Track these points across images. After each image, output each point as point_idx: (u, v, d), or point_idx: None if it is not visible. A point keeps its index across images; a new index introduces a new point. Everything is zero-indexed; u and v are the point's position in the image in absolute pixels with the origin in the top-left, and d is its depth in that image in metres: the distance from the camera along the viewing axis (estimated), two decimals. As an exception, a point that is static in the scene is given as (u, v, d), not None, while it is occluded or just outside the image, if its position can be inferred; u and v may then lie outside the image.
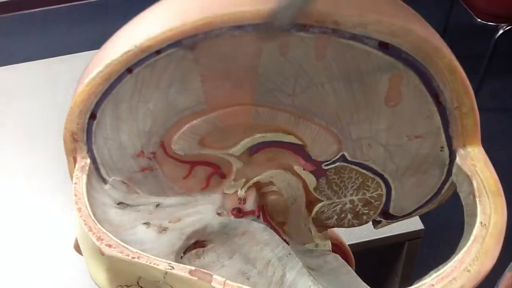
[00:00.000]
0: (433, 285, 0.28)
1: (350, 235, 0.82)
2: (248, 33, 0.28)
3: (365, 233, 0.85)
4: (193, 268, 0.28)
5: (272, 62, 0.29)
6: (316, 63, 0.30)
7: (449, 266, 0.29)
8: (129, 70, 0.29)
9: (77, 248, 0.39)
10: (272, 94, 0.31)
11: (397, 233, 0.87)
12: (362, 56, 0.29)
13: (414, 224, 0.87)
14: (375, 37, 0.28)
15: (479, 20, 1.62)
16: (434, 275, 0.28)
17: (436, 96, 0.31)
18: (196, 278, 0.27)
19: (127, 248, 0.28)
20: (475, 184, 0.31)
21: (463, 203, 0.33)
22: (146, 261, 0.28)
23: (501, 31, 1.47)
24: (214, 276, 0.27)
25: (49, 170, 0.91)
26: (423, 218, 0.87)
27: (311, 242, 0.40)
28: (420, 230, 0.87)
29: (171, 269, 0.28)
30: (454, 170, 0.34)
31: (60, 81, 1.10)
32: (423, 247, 0.92)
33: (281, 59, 0.29)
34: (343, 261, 0.38)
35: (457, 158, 0.33)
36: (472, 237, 0.29)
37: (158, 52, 0.28)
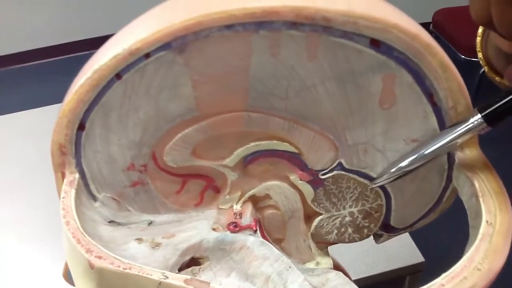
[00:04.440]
0: (443, 284, 0.26)
1: (349, 272, 0.79)
2: (237, 33, 0.27)
3: (364, 269, 0.83)
4: (188, 277, 0.26)
5: (263, 64, 0.29)
6: (308, 64, 0.29)
7: (458, 265, 0.27)
8: (118, 76, 0.29)
9: (66, 276, 0.37)
10: (265, 98, 0.31)
11: (397, 267, 0.84)
12: (354, 55, 0.29)
13: (414, 257, 0.84)
14: (366, 34, 0.28)
15: (462, 56, 1.66)
16: (444, 275, 0.27)
17: (430, 96, 0.30)
18: (192, 287, 0.26)
19: (118, 259, 0.27)
20: (477, 185, 0.30)
21: (466, 206, 0.32)
22: (138, 272, 0.26)
23: (485, 67, 1.49)
24: (212, 284, 0.26)
25: (36, 219, 0.90)
26: (423, 250, 0.85)
27: (311, 260, 0.38)
28: (421, 263, 0.85)
29: (165, 278, 0.26)
30: (454, 174, 0.33)
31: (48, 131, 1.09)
32: (424, 280, 0.89)
33: (273, 60, 0.29)
34: (347, 278, 0.36)
35: (456, 161, 0.32)
36: (479, 236, 0.28)
37: (147, 55, 0.28)
